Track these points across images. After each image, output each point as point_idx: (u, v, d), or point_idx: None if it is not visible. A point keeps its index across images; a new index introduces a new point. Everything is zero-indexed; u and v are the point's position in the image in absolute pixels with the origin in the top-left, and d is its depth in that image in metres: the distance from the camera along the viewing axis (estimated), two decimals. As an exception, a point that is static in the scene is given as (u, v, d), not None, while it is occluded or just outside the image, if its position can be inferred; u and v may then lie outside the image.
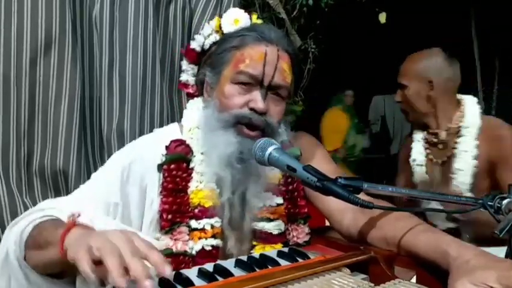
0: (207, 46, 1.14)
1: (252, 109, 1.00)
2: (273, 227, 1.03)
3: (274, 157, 0.90)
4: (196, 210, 1.00)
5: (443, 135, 1.62)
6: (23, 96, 1.33)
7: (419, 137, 1.72)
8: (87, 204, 0.95)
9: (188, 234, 1.00)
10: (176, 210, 1.00)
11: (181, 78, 1.21)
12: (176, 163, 1.03)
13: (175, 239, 0.99)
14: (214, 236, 1.00)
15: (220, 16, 1.16)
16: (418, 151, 1.70)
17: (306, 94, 2.62)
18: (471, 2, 4.59)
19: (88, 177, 1.42)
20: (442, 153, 1.62)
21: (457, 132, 1.60)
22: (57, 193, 1.39)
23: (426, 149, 1.68)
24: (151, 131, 1.51)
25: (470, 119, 1.59)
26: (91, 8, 1.46)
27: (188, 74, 1.19)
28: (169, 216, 0.99)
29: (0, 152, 1.30)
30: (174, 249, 0.98)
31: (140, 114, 1.50)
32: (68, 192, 1.39)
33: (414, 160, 1.70)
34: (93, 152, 1.48)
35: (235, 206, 1.02)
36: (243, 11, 1.14)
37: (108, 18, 1.46)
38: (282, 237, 1.05)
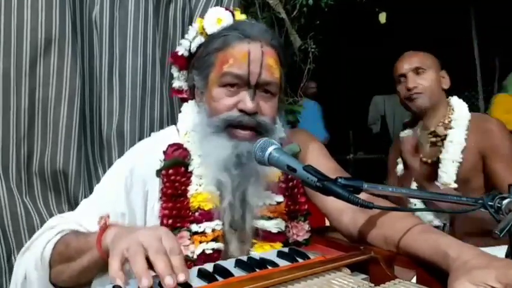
0: (194, 49, 1.12)
1: (241, 110, 0.98)
2: (273, 225, 1.03)
3: (274, 157, 0.90)
4: (197, 214, 0.99)
5: (441, 130, 1.62)
6: (23, 97, 1.33)
7: (407, 135, 1.71)
8: (94, 216, 0.94)
9: (189, 239, 0.99)
10: (176, 215, 0.99)
11: (173, 86, 1.19)
12: (175, 168, 1.01)
13: None
14: (215, 240, 0.99)
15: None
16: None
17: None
18: (471, 1, 4.59)
19: (88, 177, 1.43)
20: (433, 152, 1.62)
21: (447, 127, 1.63)
22: (57, 193, 1.39)
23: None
24: (151, 130, 1.52)
25: (459, 111, 1.63)
26: (91, 8, 1.46)
27: (180, 80, 1.17)
28: (170, 222, 0.99)
29: (0, 152, 1.30)
30: None
31: (140, 114, 1.50)
32: (68, 192, 1.39)
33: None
34: (93, 151, 1.48)
35: (236, 207, 1.01)
36: (223, 9, 1.11)
37: (108, 18, 1.46)
38: (281, 236, 1.04)
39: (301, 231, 1.07)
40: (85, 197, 1.40)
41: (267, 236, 1.03)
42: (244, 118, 0.98)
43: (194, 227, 0.99)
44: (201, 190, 1.01)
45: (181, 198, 1.01)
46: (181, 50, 1.13)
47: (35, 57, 1.33)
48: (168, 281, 0.63)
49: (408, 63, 1.68)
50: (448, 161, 1.57)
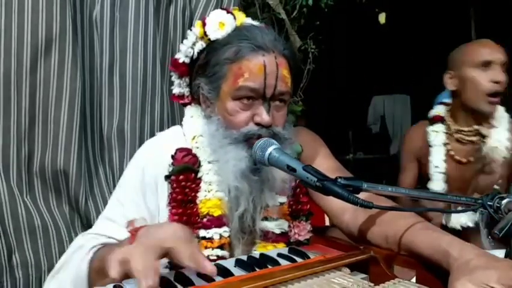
0: (195, 55, 1.08)
1: (258, 124, 0.98)
2: (276, 226, 1.03)
3: (274, 157, 0.90)
4: (205, 220, 0.99)
5: (485, 129, 1.56)
6: (24, 97, 1.33)
7: (441, 130, 1.64)
8: (118, 227, 0.94)
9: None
10: (185, 221, 0.99)
11: (173, 92, 1.15)
12: (185, 174, 1.01)
13: None
14: (221, 247, 0.99)
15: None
16: (438, 148, 1.62)
17: (306, 94, 2.62)
18: (471, 1, 4.59)
19: (89, 177, 1.43)
20: (467, 152, 1.58)
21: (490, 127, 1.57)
22: (58, 193, 1.39)
23: (446, 144, 1.62)
24: (151, 130, 1.52)
25: (500, 112, 1.57)
26: (91, 8, 1.47)
27: (181, 86, 1.14)
28: None
29: (1, 152, 1.30)
30: None
31: (140, 114, 1.51)
32: (68, 191, 1.39)
33: (436, 162, 1.62)
34: (93, 151, 1.49)
35: (250, 211, 1.01)
36: (225, 12, 1.06)
37: (108, 19, 1.47)
38: (284, 237, 1.05)
39: (303, 230, 1.07)
40: (85, 197, 1.41)
41: (271, 237, 1.03)
42: (262, 131, 0.98)
43: (202, 232, 0.99)
44: (209, 196, 1.01)
45: (191, 205, 1.01)
46: (182, 56, 1.09)
47: (36, 57, 1.33)
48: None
49: (499, 52, 1.51)
50: (499, 161, 1.53)
